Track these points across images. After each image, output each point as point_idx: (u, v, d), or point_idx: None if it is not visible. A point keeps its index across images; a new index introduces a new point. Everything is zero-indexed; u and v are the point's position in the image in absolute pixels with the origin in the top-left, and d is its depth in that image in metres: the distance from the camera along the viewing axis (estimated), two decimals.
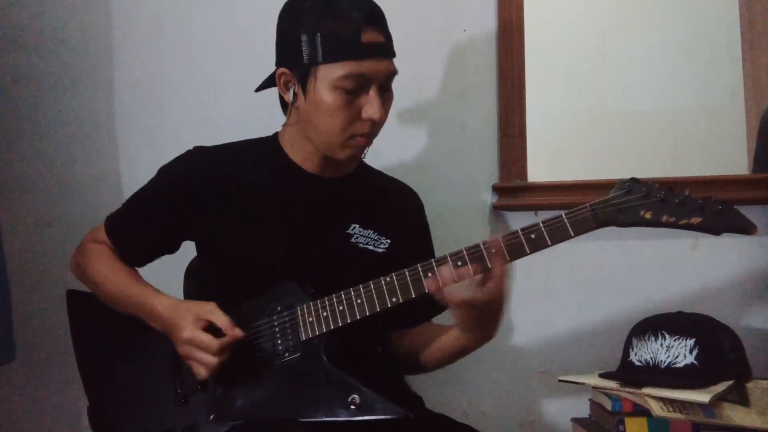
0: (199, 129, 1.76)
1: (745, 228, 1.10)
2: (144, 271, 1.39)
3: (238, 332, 1.19)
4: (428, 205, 1.48)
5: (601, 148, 1.87)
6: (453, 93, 1.76)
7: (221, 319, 1.19)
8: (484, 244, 1.13)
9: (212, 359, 1.18)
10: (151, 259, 1.39)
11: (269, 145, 1.37)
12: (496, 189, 1.73)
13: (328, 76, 1.20)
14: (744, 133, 1.83)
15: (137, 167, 1.77)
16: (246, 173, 1.32)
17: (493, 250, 1.12)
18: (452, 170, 1.75)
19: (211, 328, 1.19)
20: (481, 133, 1.75)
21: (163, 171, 1.36)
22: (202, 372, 1.19)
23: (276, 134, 1.38)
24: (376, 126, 1.25)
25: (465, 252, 1.13)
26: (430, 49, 1.76)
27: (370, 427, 1.15)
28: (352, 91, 1.21)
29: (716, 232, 1.10)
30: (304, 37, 1.21)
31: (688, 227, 1.10)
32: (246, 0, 1.76)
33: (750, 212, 1.11)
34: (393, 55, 1.26)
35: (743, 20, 1.86)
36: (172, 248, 1.39)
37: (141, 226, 1.36)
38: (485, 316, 1.17)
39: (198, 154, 1.35)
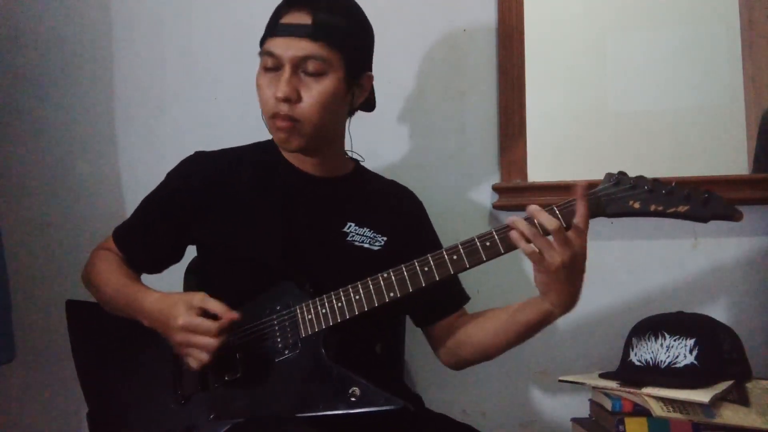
0: (199, 129, 1.77)
1: (731, 215, 1.11)
2: None
3: (234, 314, 1.19)
4: (428, 205, 1.48)
5: (601, 148, 1.87)
6: (453, 93, 1.76)
7: (215, 305, 1.19)
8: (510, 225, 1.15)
9: (212, 341, 1.17)
10: (159, 268, 1.40)
11: (267, 147, 1.39)
12: (496, 189, 1.73)
13: (261, 60, 1.29)
14: (744, 133, 1.83)
15: (137, 167, 1.77)
16: (244, 175, 1.34)
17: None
18: (452, 170, 1.75)
19: (205, 316, 1.19)
20: (481, 133, 1.75)
21: (167, 177, 1.38)
22: (203, 356, 1.18)
23: None
24: (293, 109, 1.25)
25: (495, 233, 1.16)
26: (430, 49, 1.76)
27: (370, 423, 1.16)
28: (271, 69, 1.26)
29: (703, 219, 1.12)
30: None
31: (676, 216, 1.12)
32: (246, 0, 1.76)
33: (750, 212, 1.12)
34: (316, 37, 1.24)
35: (743, 20, 1.86)
36: (178, 255, 1.40)
37: (147, 233, 1.37)
38: (566, 275, 1.15)
39: (198, 158, 1.37)
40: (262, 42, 1.29)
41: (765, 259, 1.70)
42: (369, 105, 1.42)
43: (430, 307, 1.38)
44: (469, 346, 1.34)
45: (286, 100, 1.24)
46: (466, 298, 1.42)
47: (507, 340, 1.29)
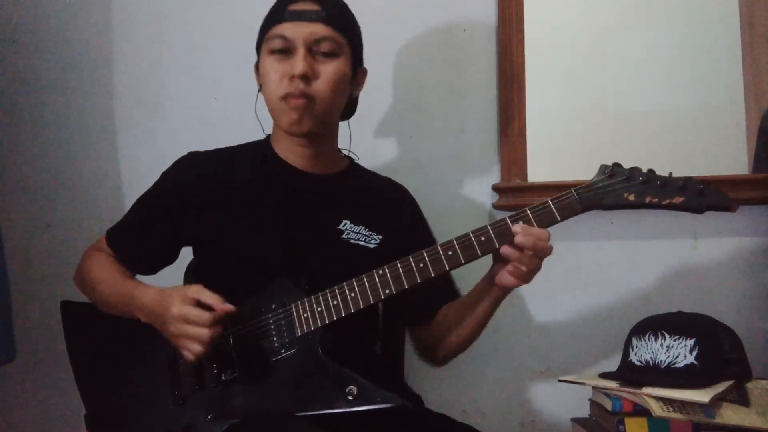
0: (199, 129, 1.77)
1: (727, 205, 1.13)
2: None
3: (228, 306, 1.17)
4: (428, 205, 1.48)
5: (601, 148, 1.86)
6: (453, 93, 1.76)
7: (210, 297, 1.18)
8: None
9: (206, 332, 1.15)
10: (153, 269, 1.40)
11: (260, 145, 1.40)
12: (496, 189, 1.73)
13: (265, 47, 1.30)
14: (744, 133, 1.82)
15: (137, 167, 1.77)
16: (238, 174, 1.35)
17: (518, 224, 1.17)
18: (452, 170, 1.75)
19: (201, 308, 1.18)
20: (481, 133, 1.76)
21: (161, 177, 1.39)
22: (197, 348, 1.16)
23: (268, 135, 1.41)
24: (309, 87, 1.26)
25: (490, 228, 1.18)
26: (430, 49, 1.76)
27: (369, 421, 1.16)
28: (280, 51, 1.28)
29: (698, 210, 1.14)
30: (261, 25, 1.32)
31: (671, 207, 1.14)
32: (246, 0, 1.76)
33: (750, 212, 1.12)
34: (328, 21, 1.29)
35: (743, 20, 1.86)
36: (172, 256, 1.40)
37: (140, 234, 1.37)
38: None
39: (191, 159, 1.38)
40: (266, 28, 1.31)
41: (765, 259, 1.70)
42: (351, 109, 1.43)
43: (425, 304, 1.38)
44: (455, 338, 1.36)
45: (304, 77, 1.25)
46: (458, 295, 1.41)
47: (471, 331, 1.34)
